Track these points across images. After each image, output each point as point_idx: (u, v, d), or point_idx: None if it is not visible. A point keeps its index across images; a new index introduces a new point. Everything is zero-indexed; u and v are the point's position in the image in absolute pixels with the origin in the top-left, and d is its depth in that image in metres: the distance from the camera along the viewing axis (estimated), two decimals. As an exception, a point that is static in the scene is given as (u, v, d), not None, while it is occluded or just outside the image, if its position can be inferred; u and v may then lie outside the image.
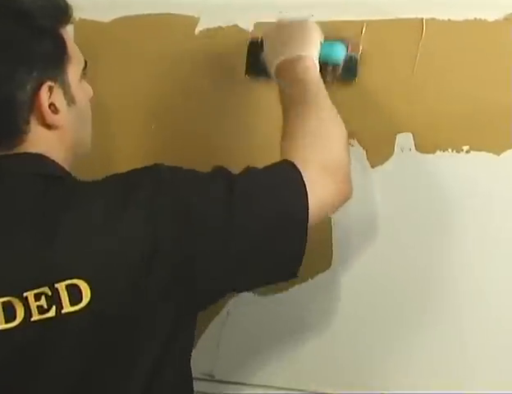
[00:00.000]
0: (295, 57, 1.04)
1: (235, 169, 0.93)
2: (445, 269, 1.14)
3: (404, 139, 1.14)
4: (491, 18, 1.10)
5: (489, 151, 1.11)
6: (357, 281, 1.17)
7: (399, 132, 1.14)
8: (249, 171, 0.93)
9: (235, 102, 1.22)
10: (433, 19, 1.12)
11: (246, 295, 1.17)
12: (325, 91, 1.03)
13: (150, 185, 0.86)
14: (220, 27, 1.22)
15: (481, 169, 1.11)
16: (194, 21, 1.23)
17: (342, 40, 1.14)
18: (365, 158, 1.16)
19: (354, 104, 1.15)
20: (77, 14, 1.19)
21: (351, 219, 1.15)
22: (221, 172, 0.92)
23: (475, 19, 1.10)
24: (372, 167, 1.16)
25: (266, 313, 1.19)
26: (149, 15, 1.25)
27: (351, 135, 1.09)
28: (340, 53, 1.13)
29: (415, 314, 1.16)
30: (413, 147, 1.14)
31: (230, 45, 1.21)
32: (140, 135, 1.27)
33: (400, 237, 1.15)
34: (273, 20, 1.15)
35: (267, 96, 1.17)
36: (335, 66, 1.13)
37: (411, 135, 1.14)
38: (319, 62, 1.08)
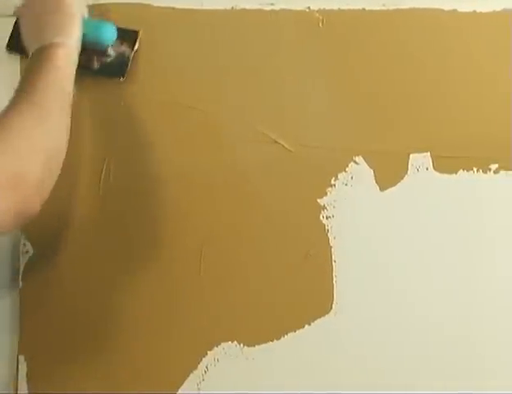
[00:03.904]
0: (53, 44, 0.96)
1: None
2: (469, 310, 0.99)
3: (420, 158, 1.00)
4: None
5: (523, 171, 0.98)
6: (362, 328, 1.00)
7: (413, 149, 1.00)
8: None
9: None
10: (455, 10, 1.00)
11: (229, 347, 1.01)
12: (68, 88, 0.95)
13: None
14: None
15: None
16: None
17: (117, 26, 1.03)
18: (373, 179, 1.00)
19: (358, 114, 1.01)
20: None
21: (355, 253, 1.00)
22: None
23: None
24: (381, 189, 1.00)
25: (252, 368, 1.02)
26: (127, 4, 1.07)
27: (355, 151, 0.98)
28: (109, 36, 1.02)
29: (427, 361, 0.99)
30: (430, 166, 0.99)
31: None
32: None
33: (415, 276, 0.99)
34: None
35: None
36: (100, 50, 1.03)
37: (428, 151, 1.00)
38: (82, 44, 0.98)
